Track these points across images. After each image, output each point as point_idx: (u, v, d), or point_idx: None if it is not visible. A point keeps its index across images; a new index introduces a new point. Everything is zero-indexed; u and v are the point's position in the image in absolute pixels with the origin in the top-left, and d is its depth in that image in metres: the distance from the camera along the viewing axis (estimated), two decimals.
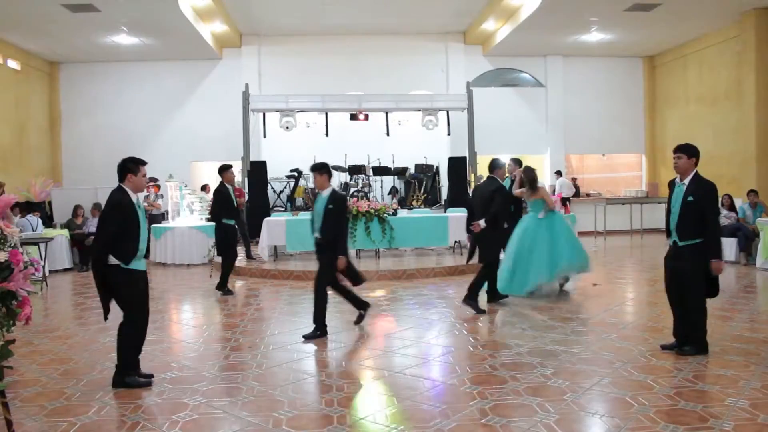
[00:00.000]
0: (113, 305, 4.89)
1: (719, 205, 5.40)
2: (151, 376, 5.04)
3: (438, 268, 10.55)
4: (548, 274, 8.16)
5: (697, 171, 5.57)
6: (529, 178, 8.42)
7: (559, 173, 17.14)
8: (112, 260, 4.77)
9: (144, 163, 5.03)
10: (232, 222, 9.12)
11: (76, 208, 12.76)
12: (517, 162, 9.47)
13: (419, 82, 16.86)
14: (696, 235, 5.43)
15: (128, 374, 4.91)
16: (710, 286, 5.54)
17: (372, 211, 11.41)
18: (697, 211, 5.41)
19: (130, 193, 4.92)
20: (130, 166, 4.95)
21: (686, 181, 5.55)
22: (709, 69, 15.78)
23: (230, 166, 9.57)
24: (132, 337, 4.92)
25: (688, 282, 5.51)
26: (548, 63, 17.78)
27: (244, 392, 4.74)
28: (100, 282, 4.82)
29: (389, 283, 9.78)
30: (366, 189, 15.14)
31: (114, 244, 4.78)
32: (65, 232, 12.30)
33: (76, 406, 4.49)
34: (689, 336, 5.55)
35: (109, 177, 13.02)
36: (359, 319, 6.89)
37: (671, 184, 5.75)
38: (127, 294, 4.86)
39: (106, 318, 4.92)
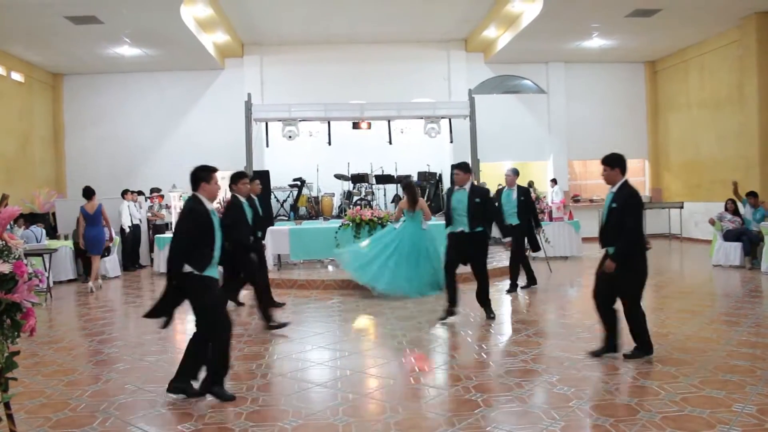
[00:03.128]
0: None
1: (640, 214, 5.46)
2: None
3: None
4: (419, 291, 8.88)
5: (626, 180, 5.60)
6: (411, 193, 9.00)
7: (554, 181, 17.14)
8: (186, 268, 4.70)
9: (216, 170, 5.02)
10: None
11: (78, 219, 12.77)
12: (515, 171, 9.72)
13: (421, 90, 16.90)
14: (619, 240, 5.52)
15: (220, 383, 4.82)
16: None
17: (375, 219, 11.41)
18: (619, 218, 5.46)
19: (205, 201, 4.87)
20: (202, 175, 4.91)
21: (614, 189, 5.59)
22: (711, 73, 15.78)
23: (244, 175, 7.89)
24: (227, 344, 4.85)
25: (620, 287, 5.57)
26: (550, 69, 17.80)
27: (249, 402, 4.73)
28: (172, 290, 4.73)
29: None
30: (369, 197, 15.16)
31: (189, 252, 4.73)
32: (69, 243, 12.31)
33: (81, 418, 4.48)
34: (635, 340, 5.62)
35: (113, 187, 13.05)
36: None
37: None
38: (204, 301, 4.77)
39: (146, 315, 4.85)
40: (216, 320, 4.81)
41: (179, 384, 4.88)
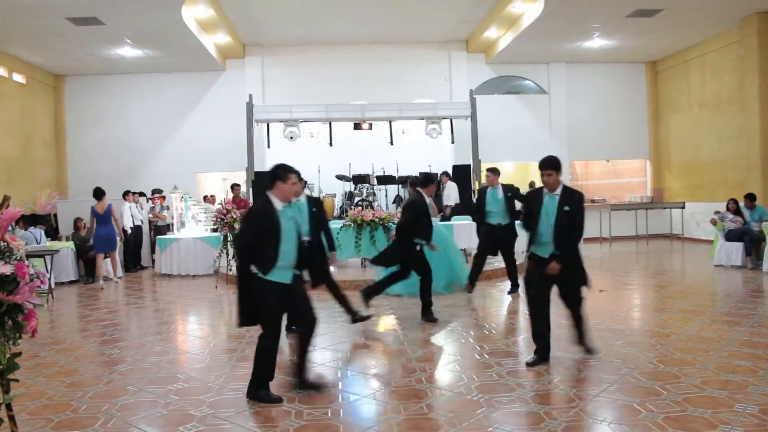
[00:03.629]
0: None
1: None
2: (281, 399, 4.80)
3: None
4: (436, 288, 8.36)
5: (563, 182, 5.63)
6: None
7: None
8: (253, 268, 4.64)
9: (293, 171, 4.85)
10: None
11: (77, 220, 12.84)
12: (495, 171, 9.43)
13: (422, 90, 16.90)
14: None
15: (261, 388, 4.80)
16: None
17: (377, 219, 11.41)
18: (571, 220, 5.45)
19: (275, 201, 4.75)
20: (279, 173, 4.76)
21: (558, 191, 5.53)
22: (712, 74, 15.77)
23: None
24: (266, 350, 4.79)
25: (574, 288, 5.64)
26: (551, 70, 17.80)
27: (251, 403, 4.72)
28: (242, 288, 4.71)
29: None
30: (370, 198, 15.16)
31: (254, 252, 4.65)
32: (71, 245, 12.34)
33: (82, 419, 4.49)
34: (581, 342, 5.70)
35: (114, 188, 13.04)
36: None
37: (536, 196, 5.63)
38: (261, 305, 4.71)
39: (240, 324, 4.84)
40: (266, 326, 4.76)
41: (304, 384, 4.92)
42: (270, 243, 4.63)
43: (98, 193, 11.69)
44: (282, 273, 4.72)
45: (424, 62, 17.45)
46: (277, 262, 4.66)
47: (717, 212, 12.10)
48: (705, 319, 7.17)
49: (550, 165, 5.53)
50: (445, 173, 15.42)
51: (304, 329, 4.95)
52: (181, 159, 17.13)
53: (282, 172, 4.79)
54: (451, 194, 14.92)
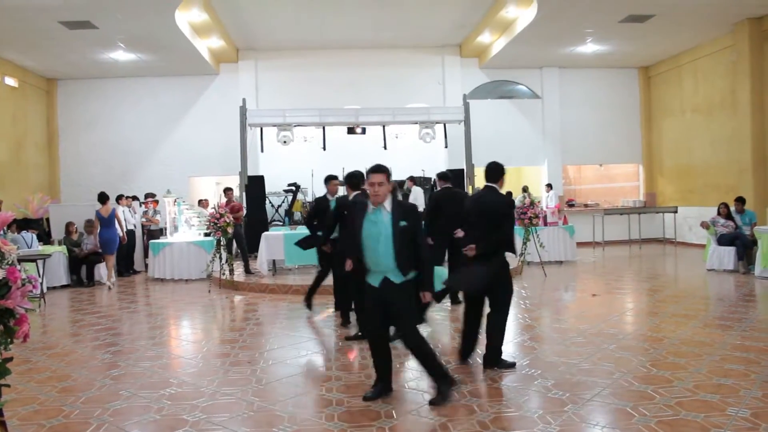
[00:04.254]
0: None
1: None
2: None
3: None
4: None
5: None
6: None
7: (549, 186, 17.15)
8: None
9: (376, 170, 4.70)
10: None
11: (69, 225, 12.80)
12: (444, 176, 9.34)
13: (416, 95, 16.93)
14: None
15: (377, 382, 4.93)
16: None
17: None
18: None
19: (369, 205, 4.75)
20: (366, 175, 4.76)
21: None
22: (704, 79, 15.87)
23: (334, 177, 9.08)
24: (370, 348, 4.97)
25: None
26: (544, 75, 17.87)
27: (244, 408, 4.71)
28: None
29: None
30: None
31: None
32: (63, 249, 12.29)
33: (74, 424, 4.46)
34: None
35: (107, 192, 12.99)
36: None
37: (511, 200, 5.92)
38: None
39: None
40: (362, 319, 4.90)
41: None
42: (354, 246, 4.83)
43: (102, 198, 12.17)
44: (371, 275, 4.79)
45: (417, 67, 17.49)
46: (367, 264, 4.78)
47: (704, 222, 12.15)
48: (697, 323, 7.20)
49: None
50: (410, 178, 15.43)
51: (402, 340, 4.94)
52: (175, 163, 17.10)
53: (368, 173, 4.72)
54: (417, 198, 14.95)
